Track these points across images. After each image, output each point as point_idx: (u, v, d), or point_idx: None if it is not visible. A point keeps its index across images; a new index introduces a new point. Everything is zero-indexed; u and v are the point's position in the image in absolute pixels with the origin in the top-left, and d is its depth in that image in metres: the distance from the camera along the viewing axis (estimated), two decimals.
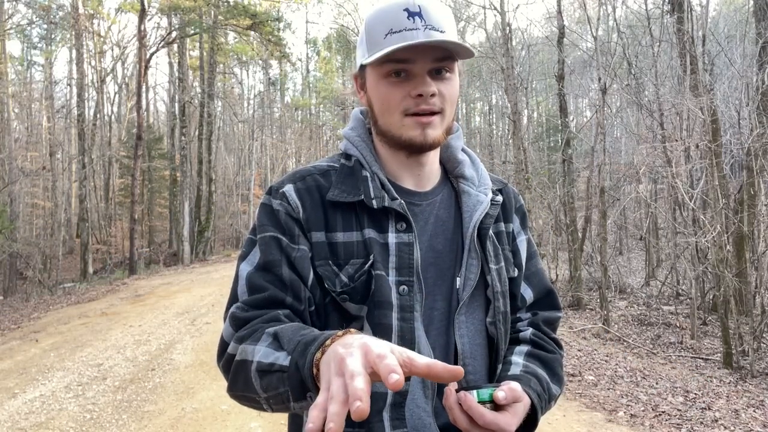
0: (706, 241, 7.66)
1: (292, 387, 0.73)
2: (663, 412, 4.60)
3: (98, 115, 28.91)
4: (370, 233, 0.95)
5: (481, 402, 0.82)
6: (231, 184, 33.97)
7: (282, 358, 0.76)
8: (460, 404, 0.82)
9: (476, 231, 1.01)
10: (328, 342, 0.70)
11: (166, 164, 28.33)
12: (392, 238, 0.96)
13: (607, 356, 6.76)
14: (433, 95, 0.94)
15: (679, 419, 4.43)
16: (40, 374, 5.75)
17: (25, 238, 21.31)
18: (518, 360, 1.02)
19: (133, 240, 18.32)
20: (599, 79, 12.31)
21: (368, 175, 1.00)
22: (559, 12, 14.96)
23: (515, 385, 0.86)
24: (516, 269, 1.08)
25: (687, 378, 6.19)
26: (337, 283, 0.93)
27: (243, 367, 0.81)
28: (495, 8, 13.77)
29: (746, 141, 8.12)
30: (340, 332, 0.71)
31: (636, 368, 6.17)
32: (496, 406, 0.83)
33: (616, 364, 6.30)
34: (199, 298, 10.20)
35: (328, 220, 0.96)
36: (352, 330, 0.72)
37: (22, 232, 23.06)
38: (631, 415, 4.52)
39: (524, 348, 1.06)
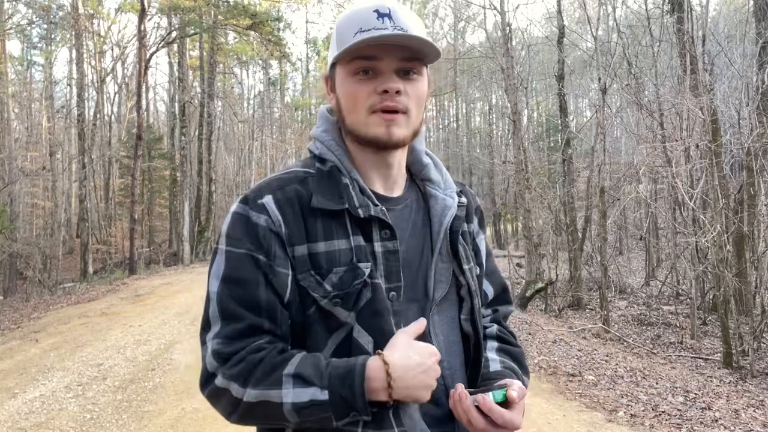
0: (706, 241, 7.66)
1: (336, 412, 0.86)
2: (663, 412, 4.60)
3: (98, 115, 28.92)
4: (358, 241, 0.96)
5: (497, 403, 0.89)
6: (231, 184, 33.93)
7: (318, 394, 0.86)
8: (476, 406, 0.89)
9: (447, 234, 1.04)
10: (362, 371, 0.87)
11: (166, 164, 28.32)
12: (378, 246, 0.97)
13: (607, 356, 6.76)
14: (398, 92, 0.95)
15: (679, 419, 4.43)
16: (40, 374, 5.75)
17: (25, 238, 21.33)
18: (494, 356, 1.09)
19: (133, 240, 18.31)
20: (599, 79, 12.32)
21: (348, 181, 0.99)
22: (559, 12, 14.96)
23: (520, 384, 0.93)
24: (478, 267, 1.12)
25: (687, 378, 6.19)
26: (325, 290, 0.94)
27: (266, 407, 0.87)
28: (495, 8, 13.77)
29: (746, 141, 8.12)
30: (359, 359, 0.89)
31: (636, 368, 6.17)
32: (506, 403, 0.90)
33: (616, 364, 6.30)
34: (200, 298, 10.17)
35: (308, 230, 0.95)
36: (379, 352, 0.89)
37: (22, 232, 23.07)
38: (631, 415, 4.52)
39: (494, 344, 1.12)
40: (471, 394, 0.91)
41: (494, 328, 1.15)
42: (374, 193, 1.01)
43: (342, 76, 0.99)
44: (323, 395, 0.85)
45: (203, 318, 0.95)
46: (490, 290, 1.17)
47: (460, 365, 1.04)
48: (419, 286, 1.01)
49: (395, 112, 0.96)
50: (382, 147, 0.99)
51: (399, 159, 1.04)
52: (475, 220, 1.16)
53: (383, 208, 0.98)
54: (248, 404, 0.88)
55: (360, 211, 0.95)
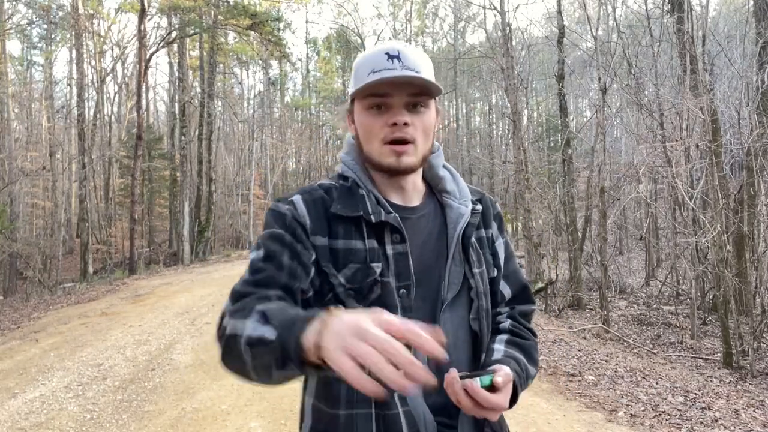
0: (706, 241, 7.65)
1: (276, 357, 0.82)
2: (663, 412, 4.60)
3: (98, 115, 28.91)
4: (372, 243, 1.08)
5: (483, 387, 0.99)
6: (231, 184, 33.97)
7: (268, 332, 0.84)
8: (465, 390, 0.98)
9: (460, 240, 1.15)
10: (313, 320, 0.79)
11: (166, 164, 28.33)
12: (389, 249, 1.09)
13: (607, 356, 6.76)
14: (406, 124, 1.08)
15: (679, 419, 4.43)
16: (40, 374, 5.75)
17: (25, 238, 21.32)
18: (499, 347, 1.17)
19: (133, 240, 18.31)
20: (599, 79, 12.31)
21: (364, 193, 1.13)
22: (559, 12, 14.96)
23: (507, 370, 1.03)
24: (495, 270, 1.22)
25: (687, 378, 6.19)
26: (340, 281, 1.06)
27: (235, 340, 0.89)
28: (495, 8, 13.77)
29: (746, 141, 8.12)
30: (322, 312, 0.80)
31: (636, 368, 6.17)
32: (492, 388, 1.00)
33: (616, 364, 6.30)
34: (199, 298, 10.20)
35: (330, 228, 1.09)
36: (332, 309, 0.80)
37: (22, 232, 23.06)
38: (631, 415, 4.52)
39: (504, 336, 1.20)
40: (462, 378, 0.99)
41: (507, 323, 1.23)
42: (392, 203, 1.15)
43: (359, 111, 1.13)
44: (272, 335, 0.83)
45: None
46: (507, 290, 1.25)
47: (466, 360, 1.14)
48: (433, 287, 1.12)
49: (404, 142, 1.09)
50: (394, 173, 1.13)
51: (412, 179, 1.17)
52: (494, 226, 1.26)
53: (396, 215, 1.10)
54: (227, 337, 0.91)
55: (372, 217, 1.08)
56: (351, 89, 1.14)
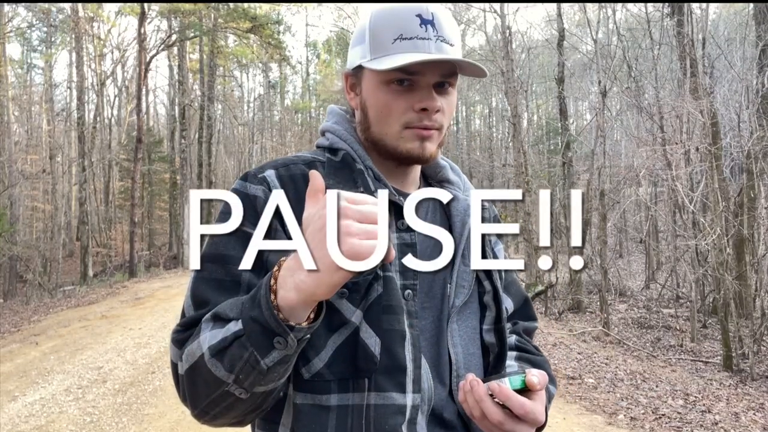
0: (706, 244, 7.66)
1: (256, 343, 0.69)
2: (663, 415, 4.60)
3: (98, 118, 28.92)
4: None
5: (516, 390, 0.78)
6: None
7: (232, 326, 0.71)
8: (491, 395, 0.78)
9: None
10: (272, 280, 0.69)
11: (166, 167, 28.34)
12: (394, 238, 0.87)
13: (607, 359, 6.76)
14: (437, 111, 0.89)
15: (679, 422, 4.42)
16: (40, 377, 5.75)
17: (25, 241, 21.30)
18: (511, 363, 1.00)
19: (133, 243, 18.32)
20: (599, 82, 12.33)
21: (362, 168, 0.92)
22: (559, 15, 15.00)
23: (540, 370, 0.83)
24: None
25: (687, 381, 6.18)
26: None
27: (196, 368, 0.74)
28: (495, 11, 13.78)
29: (746, 144, 8.13)
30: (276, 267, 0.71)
31: (636, 371, 6.17)
32: (524, 392, 0.79)
33: (616, 367, 6.30)
34: None
35: None
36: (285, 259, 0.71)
37: (22, 235, 23.04)
38: (631, 418, 4.52)
39: (513, 353, 1.03)
40: (484, 382, 0.80)
41: (513, 338, 1.06)
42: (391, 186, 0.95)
43: (374, 83, 0.90)
44: (237, 325, 0.70)
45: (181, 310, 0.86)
46: (509, 303, 1.07)
47: None
48: (436, 292, 0.93)
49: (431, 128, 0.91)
50: (413, 162, 0.93)
51: (416, 170, 1.00)
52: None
53: (401, 198, 0.87)
54: (185, 378, 0.77)
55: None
56: (363, 52, 0.91)
